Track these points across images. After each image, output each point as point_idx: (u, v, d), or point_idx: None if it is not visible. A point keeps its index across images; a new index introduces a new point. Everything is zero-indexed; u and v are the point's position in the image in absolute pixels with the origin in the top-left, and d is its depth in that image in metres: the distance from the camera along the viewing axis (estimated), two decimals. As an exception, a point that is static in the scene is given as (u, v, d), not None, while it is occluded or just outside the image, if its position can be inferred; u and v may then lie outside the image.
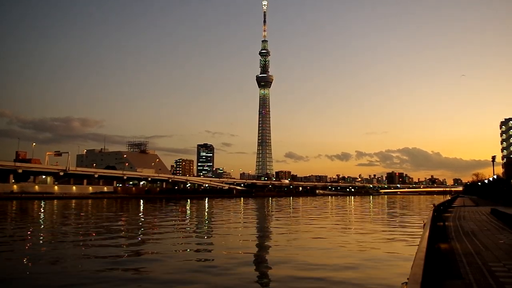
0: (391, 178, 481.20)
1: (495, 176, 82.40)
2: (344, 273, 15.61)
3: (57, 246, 22.72)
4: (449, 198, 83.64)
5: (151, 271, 16.31)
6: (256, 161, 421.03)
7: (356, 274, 15.58)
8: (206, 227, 37.71)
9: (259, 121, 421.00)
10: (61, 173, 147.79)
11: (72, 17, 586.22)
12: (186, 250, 22.87)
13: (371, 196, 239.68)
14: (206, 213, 59.51)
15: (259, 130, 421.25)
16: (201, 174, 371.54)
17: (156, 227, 35.30)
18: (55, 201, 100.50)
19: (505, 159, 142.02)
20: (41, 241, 25.79)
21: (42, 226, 36.97)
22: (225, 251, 21.69)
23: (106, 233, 30.87)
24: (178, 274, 15.76)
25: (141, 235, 30.14)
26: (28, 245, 23.88)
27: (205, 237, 29.85)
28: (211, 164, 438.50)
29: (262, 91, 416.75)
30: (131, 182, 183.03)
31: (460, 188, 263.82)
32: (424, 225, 14.68)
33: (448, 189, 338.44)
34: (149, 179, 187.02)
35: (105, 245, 23.79)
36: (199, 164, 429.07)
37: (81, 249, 22.18)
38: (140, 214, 56.14)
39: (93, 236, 29.14)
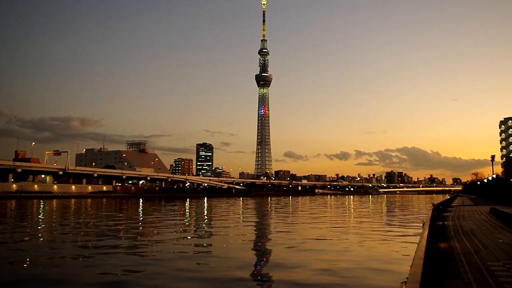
0: (390, 177, 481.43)
1: (494, 176, 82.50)
2: (343, 277, 15.56)
3: (54, 252, 22.54)
4: (448, 197, 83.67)
5: (147, 274, 16.23)
6: (255, 161, 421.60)
7: (356, 275, 15.55)
8: (205, 227, 37.62)
9: (258, 120, 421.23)
10: (60, 172, 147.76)
11: (71, 16, 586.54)
12: (185, 252, 22.77)
13: (370, 196, 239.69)
14: (205, 213, 59.45)
15: (258, 129, 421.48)
16: (200, 173, 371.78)
17: (154, 229, 35.12)
18: (54, 201, 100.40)
19: (504, 158, 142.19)
20: (37, 247, 25.54)
21: (40, 228, 36.82)
22: (224, 254, 21.61)
23: (104, 233, 30.80)
24: (175, 276, 15.70)
25: (139, 236, 30.05)
26: (23, 251, 23.50)
27: (204, 237, 29.74)
28: (210, 163, 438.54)
29: (262, 90, 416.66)
30: (130, 182, 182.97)
31: (460, 188, 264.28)
32: (423, 224, 14.65)
33: (447, 188, 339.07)
34: (148, 178, 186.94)
35: (102, 247, 23.69)
36: (198, 163, 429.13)
37: (79, 252, 22.09)
38: (139, 214, 56.07)
39: (91, 236, 29.08)
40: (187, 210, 65.35)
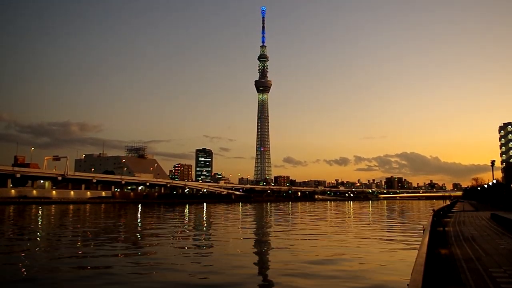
0: (390, 183, 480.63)
1: (494, 181, 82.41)
2: (344, 283, 15.39)
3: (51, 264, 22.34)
4: (449, 203, 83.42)
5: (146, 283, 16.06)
6: (255, 166, 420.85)
7: (356, 282, 15.38)
8: (204, 235, 37.40)
9: (257, 126, 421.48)
10: (59, 178, 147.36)
11: (71, 21, 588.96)
12: (184, 260, 22.57)
13: (370, 201, 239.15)
14: (204, 220, 59.22)
15: (257, 135, 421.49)
16: (200, 179, 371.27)
17: (153, 238, 34.90)
18: (53, 206, 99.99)
19: (504, 163, 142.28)
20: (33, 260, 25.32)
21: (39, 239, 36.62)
22: (224, 262, 21.38)
23: (103, 239, 30.62)
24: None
25: (138, 244, 29.87)
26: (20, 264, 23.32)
27: (203, 246, 29.51)
28: (209, 169, 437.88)
29: (261, 96, 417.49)
30: (129, 187, 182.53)
31: (460, 193, 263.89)
32: (423, 230, 14.50)
33: (447, 194, 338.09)
34: (147, 184, 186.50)
35: (101, 252, 23.51)
36: (197, 169, 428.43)
37: (78, 259, 21.91)
38: (137, 221, 55.86)
39: (89, 242, 28.89)
40: (186, 217, 65.04)
